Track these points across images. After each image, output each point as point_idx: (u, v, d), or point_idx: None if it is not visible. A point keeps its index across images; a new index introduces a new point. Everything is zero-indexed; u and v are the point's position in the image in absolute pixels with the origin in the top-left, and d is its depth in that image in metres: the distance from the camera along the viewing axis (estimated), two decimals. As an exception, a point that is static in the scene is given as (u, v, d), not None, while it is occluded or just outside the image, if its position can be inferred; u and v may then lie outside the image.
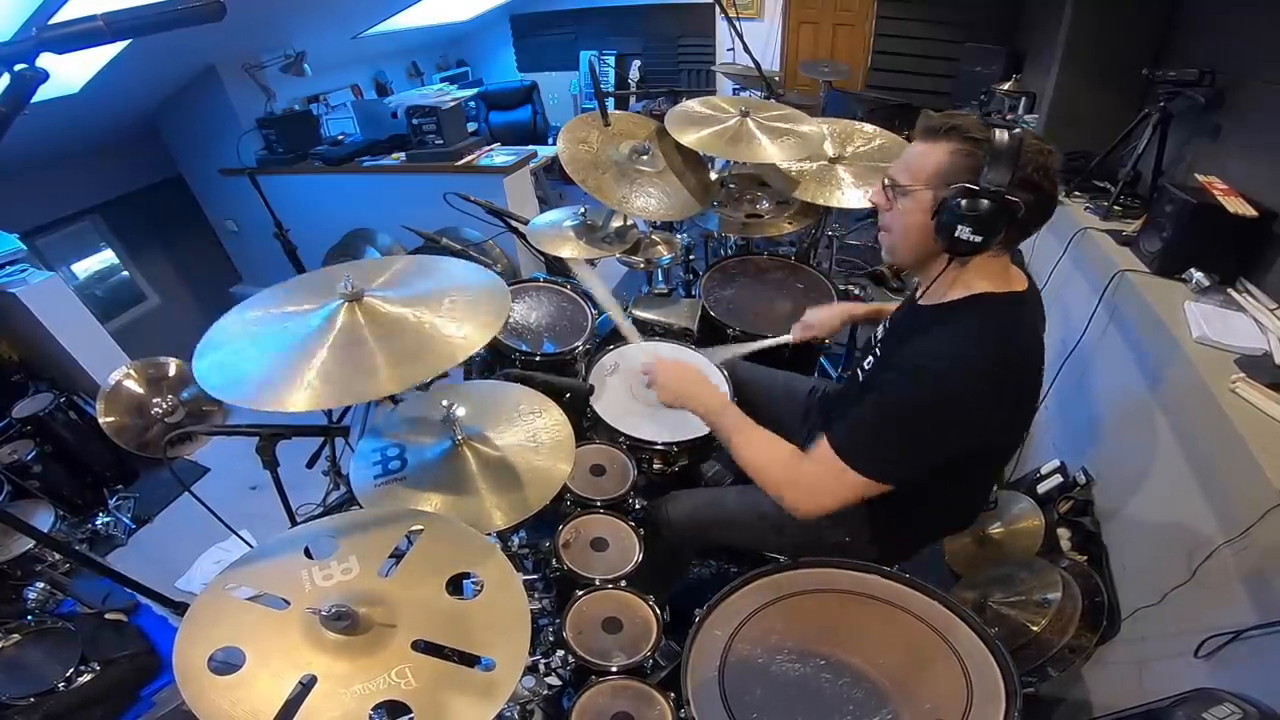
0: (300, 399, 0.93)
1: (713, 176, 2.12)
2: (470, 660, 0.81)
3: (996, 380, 0.97)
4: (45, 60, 0.79)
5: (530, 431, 1.30)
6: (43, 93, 0.82)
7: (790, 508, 1.05)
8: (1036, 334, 1.06)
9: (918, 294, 1.14)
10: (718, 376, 1.68)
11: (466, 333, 1.04)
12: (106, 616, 1.92)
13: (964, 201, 0.95)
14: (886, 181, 1.08)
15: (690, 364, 1.27)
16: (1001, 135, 0.95)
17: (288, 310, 1.10)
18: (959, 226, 0.96)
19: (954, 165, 0.98)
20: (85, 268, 3.70)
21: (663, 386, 1.26)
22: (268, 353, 1.01)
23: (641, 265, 2.05)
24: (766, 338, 1.78)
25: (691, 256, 2.37)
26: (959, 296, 1.04)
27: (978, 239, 0.96)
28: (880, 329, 1.28)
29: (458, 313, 1.07)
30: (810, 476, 1.04)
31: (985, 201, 0.94)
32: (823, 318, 1.61)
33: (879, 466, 1.00)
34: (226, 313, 1.11)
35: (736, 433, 1.15)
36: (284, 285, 1.18)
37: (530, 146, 3.71)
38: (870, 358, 1.23)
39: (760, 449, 1.12)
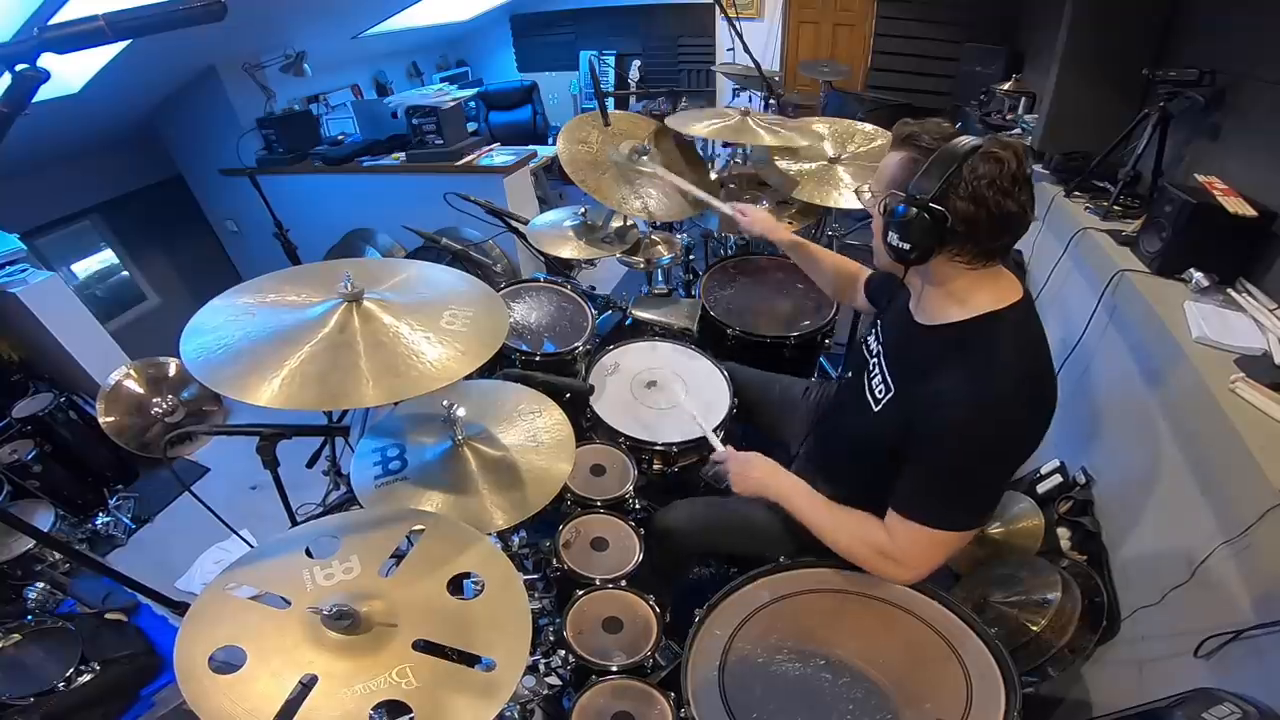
0: (270, 394, 0.90)
1: (713, 176, 2.13)
2: (471, 660, 0.82)
3: (1036, 404, 1.00)
4: (46, 60, 0.79)
5: (530, 431, 1.30)
6: (43, 92, 0.82)
7: (893, 580, 1.08)
8: (1046, 342, 1.05)
9: (912, 310, 1.13)
10: (718, 378, 1.68)
11: (458, 354, 1.02)
12: (106, 616, 1.92)
13: (891, 208, 0.97)
14: (865, 188, 1.11)
15: (761, 456, 1.29)
16: (949, 145, 0.94)
17: (283, 301, 1.08)
18: (889, 233, 0.98)
19: (901, 173, 1.00)
20: (85, 268, 3.70)
21: (741, 477, 1.27)
22: (250, 340, 0.98)
23: (641, 265, 2.05)
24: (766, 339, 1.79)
25: (691, 256, 2.37)
26: (963, 318, 1.02)
27: (905, 246, 0.97)
28: (872, 340, 1.25)
29: (455, 327, 1.06)
30: (906, 554, 1.05)
31: (904, 209, 0.95)
32: (758, 219, 1.68)
33: (966, 517, 1.03)
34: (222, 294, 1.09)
35: (819, 517, 1.16)
36: (284, 273, 1.17)
37: (530, 146, 3.71)
38: (878, 376, 1.18)
39: (848, 533, 1.12)
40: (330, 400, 0.94)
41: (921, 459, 1.03)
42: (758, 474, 1.26)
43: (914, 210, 0.94)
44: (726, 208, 1.75)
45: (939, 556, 1.05)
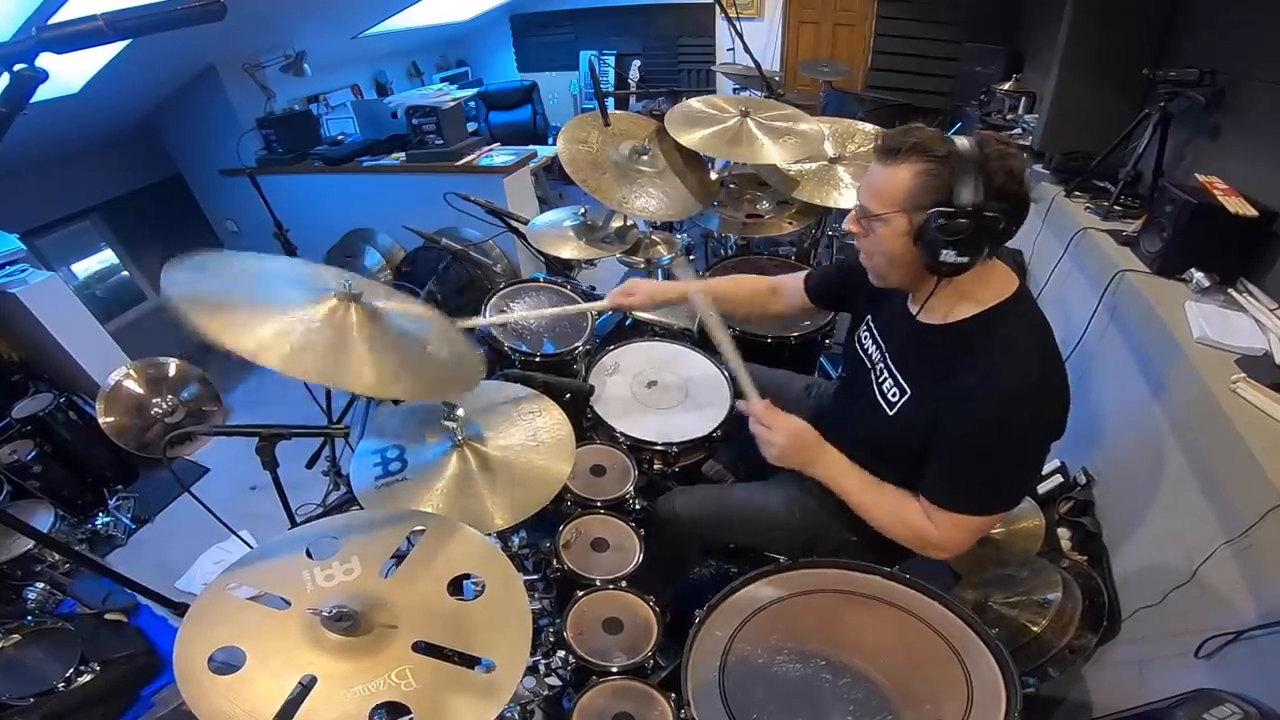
0: (265, 348, 0.86)
1: (713, 176, 2.12)
2: (470, 661, 0.81)
3: (1059, 385, 1.01)
4: (45, 60, 0.78)
5: (530, 431, 1.30)
6: (43, 92, 0.82)
7: (931, 556, 1.11)
8: (1051, 328, 1.06)
9: (914, 310, 1.12)
10: (720, 379, 1.68)
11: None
12: (106, 617, 1.92)
13: (942, 224, 0.94)
14: (858, 209, 1.07)
15: (808, 428, 1.19)
16: (963, 147, 0.94)
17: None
18: (943, 250, 0.95)
19: (923, 187, 0.96)
20: (85, 268, 3.69)
21: (783, 445, 1.16)
22: (248, 293, 0.95)
23: (641, 265, 2.05)
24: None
25: (691, 256, 2.37)
26: (971, 314, 1.03)
27: (964, 259, 0.96)
28: (869, 344, 1.24)
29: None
30: (944, 538, 1.07)
31: (964, 222, 0.93)
32: (641, 294, 1.51)
33: (1001, 500, 1.05)
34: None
35: (863, 494, 1.16)
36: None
37: (530, 146, 3.71)
38: (888, 379, 1.16)
39: (888, 512, 1.13)
40: (331, 374, 0.91)
41: (953, 450, 1.03)
42: (807, 449, 1.17)
43: (966, 221, 0.93)
44: (607, 303, 1.57)
45: (976, 535, 1.08)
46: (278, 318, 0.93)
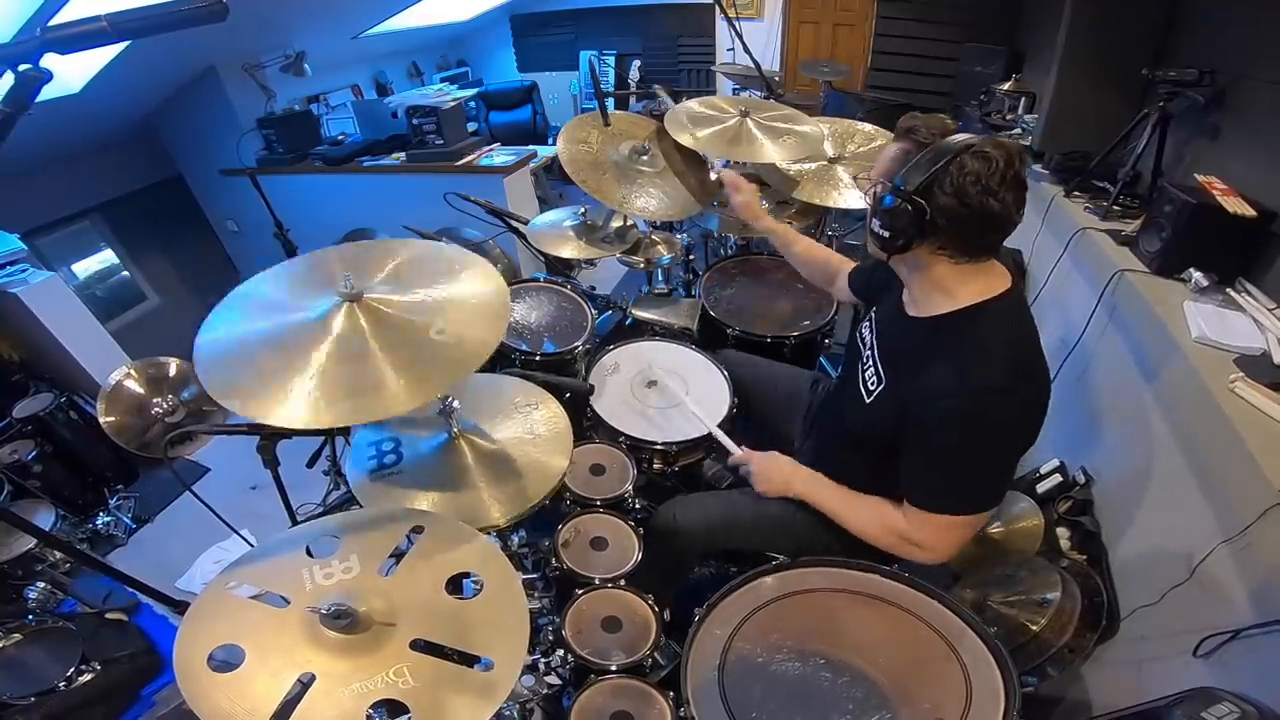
0: (290, 410, 0.89)
1: (713, 176, 2.12)
2: (469, 660, 0.82)
3: (1027, 391, 1.00)
4: (49, 60, 0.79)
5: (527, 424, 1.30)
6: (44, 92, 0.82)
7: (921, 562, 1.11)
8: (1034, 330, 1.06)
9: (905, 303, 1.15)
10: (719, 378, 1.68)
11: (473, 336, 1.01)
12: (107, 616, 1.92)
13: (879, 197, 1.01)
14: (864, 175, 1.16)
15: (781, 456, 1.33)
16: (943, 141, 0.96)
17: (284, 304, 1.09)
18: (874, 220, 1.02)
19: (894, 164, 1.04)
20: (85, 268, 3.70)
21: (765, 479, 1.30)
22: (264, 351, 0.98)
23: (641, 265, 2.06)
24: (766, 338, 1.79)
25: (691, 256, 2.37)
26: (952, 310, 1.04)
27: (886, 234, 1.00)
28: (866, 332, 1.26)
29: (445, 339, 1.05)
30: (926, 539, 1.08)
31: (890, 198, 0.98)
32: (745, 194, 1.71)
33: (976, 500, 1.05)
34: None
35: (844, 508, 1.20)
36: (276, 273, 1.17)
37: (530, 146, 3.71)
38: (871, 368, 1.20)
39: (870, 521, 1.16)
40: (365, 412, 0.93)
41: (921, 449, 1.05)
42: (783, 474, 1.28)
43: (898, 201, 0.97)
44: (722, 170, 1.78)
45: (959, 538, 1.08)
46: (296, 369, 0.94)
